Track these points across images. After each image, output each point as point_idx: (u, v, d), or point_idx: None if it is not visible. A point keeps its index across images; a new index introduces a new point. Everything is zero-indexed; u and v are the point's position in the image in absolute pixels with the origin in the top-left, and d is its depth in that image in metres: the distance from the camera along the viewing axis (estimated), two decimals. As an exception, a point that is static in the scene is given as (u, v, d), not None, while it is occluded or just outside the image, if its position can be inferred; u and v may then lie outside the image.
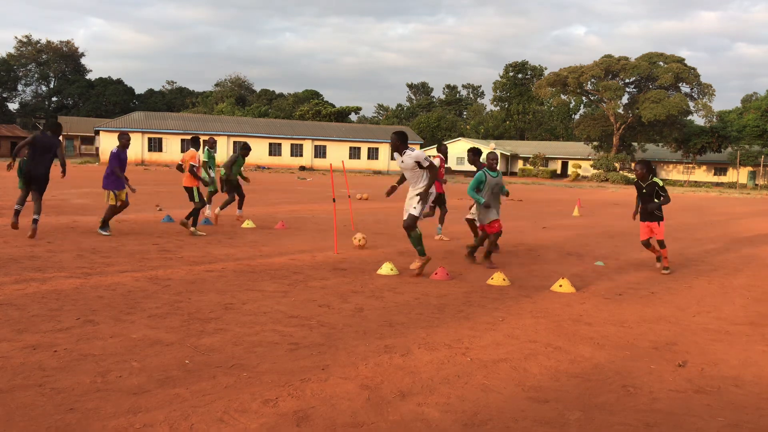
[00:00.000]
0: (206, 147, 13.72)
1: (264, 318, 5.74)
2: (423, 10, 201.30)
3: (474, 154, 10.04)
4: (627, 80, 63.35)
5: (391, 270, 8.19)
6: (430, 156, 9.04)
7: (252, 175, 44.81)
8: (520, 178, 64.35)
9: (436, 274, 8.07)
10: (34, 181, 10.25)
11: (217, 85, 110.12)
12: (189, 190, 11.42)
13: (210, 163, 13.61)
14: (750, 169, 64.69)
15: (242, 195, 13.49)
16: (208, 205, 13.66)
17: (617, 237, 13.45)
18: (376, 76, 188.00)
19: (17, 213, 10.12)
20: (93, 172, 38.19)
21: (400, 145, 7.98)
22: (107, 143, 58.38)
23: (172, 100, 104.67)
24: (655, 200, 9.22)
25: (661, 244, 9.33)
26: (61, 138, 10.29)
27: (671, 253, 11.43)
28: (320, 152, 66.11)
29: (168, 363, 4.42)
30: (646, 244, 9.43)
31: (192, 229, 11.22)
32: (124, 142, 11.12)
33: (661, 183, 9.26)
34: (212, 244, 10.18)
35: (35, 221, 10.02)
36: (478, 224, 9.38)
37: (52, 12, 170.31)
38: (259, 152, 63.93)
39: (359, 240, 10.52)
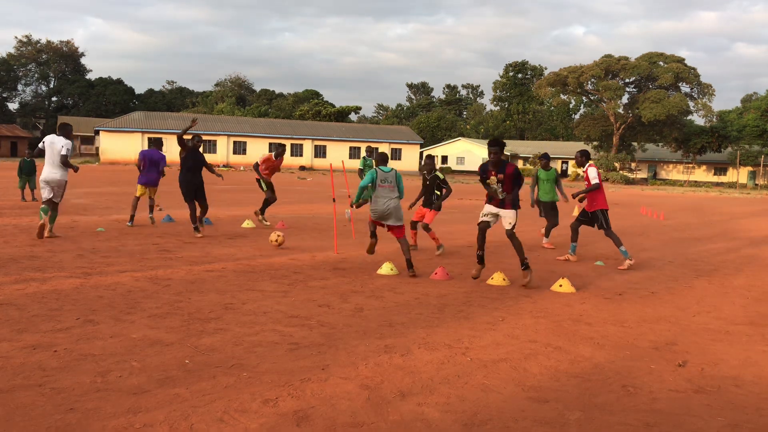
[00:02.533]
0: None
1: (264, 318, 5.74)
2: (422, 10, 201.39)
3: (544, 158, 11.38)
4: (627, 80, 63.34)
5: (391, 270, 8.19)
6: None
7: (252, 175, 44.83)
8: (520, 178, 64.26)
9: (436, 274, 8.07)
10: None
11: (217, 85, 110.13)
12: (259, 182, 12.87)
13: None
14: (750, 168, 64.72)
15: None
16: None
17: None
18: (375, 76, 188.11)
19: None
20: (93, 172, 38.20)
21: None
22: (107, 143, 58.42)
23: (172, 100, 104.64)
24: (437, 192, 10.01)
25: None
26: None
27: (671, 253, 11.43)
28: (320, 152, 66.13)
29: (168, 363, 4.42)
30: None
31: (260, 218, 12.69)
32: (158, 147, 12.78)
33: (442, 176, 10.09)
34: (212, 244, 10.18)
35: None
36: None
37: (52, 12, 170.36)
38: (259, 152, 63.92)
39: (277, 238, 9.94)
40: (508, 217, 7.71)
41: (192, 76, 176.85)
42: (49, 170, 9.82)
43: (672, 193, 41.03)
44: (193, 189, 11.20)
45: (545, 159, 11.56)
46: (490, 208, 7.83)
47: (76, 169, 9.96)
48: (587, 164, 9.93)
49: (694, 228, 16.63)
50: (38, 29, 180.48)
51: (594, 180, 9.59)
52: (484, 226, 7.83)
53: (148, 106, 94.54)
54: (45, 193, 9.82)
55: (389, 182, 8.49)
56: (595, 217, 9.78)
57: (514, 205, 7.76)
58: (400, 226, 8.50)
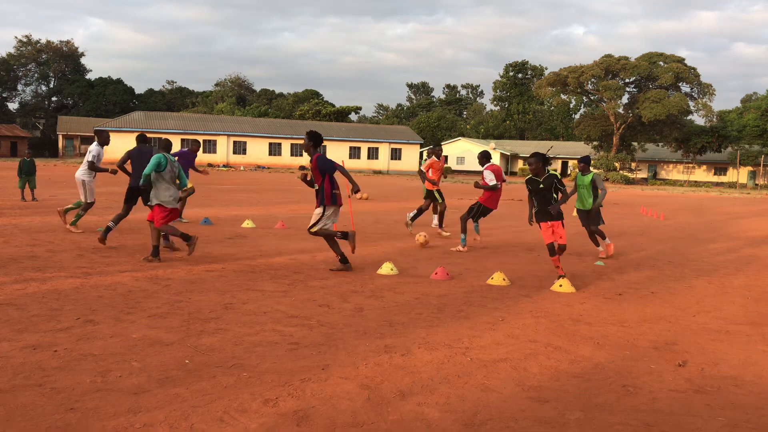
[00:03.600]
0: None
1: (264, 318, 5.74)
2: (421, 10, 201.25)
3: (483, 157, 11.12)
4: (627, 80, 63.33)
5: (391, 270, 8.19)
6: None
7: (252, 175, 44.83)
8: (520, 178, 64.30)
9: (436, 274, 8.07)
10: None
11: (217, 84, 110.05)
12: (430, 193, 12.19)
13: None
14: (750, 168, 64.71)
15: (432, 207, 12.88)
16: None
17: (617, 237, 13.44)
18: (375, 76, 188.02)
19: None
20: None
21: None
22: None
23: (172, 100, 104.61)
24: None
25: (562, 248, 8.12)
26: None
27: (671, 253, 11.43)
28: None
29: (168, 363, 4.42)
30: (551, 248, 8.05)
31: (441, 232, 12.23)
32: (195, 148, 13.12)
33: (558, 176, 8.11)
34: (212, 244, 10.18)
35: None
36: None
37: (51, 12, 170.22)
38: (259, 152, 63.96)
39: (422, 238, 10.76)
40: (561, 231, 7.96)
41: (192, 76, 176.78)
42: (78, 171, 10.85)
43: (672, 193, 41.03)
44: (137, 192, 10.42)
45: (584, 162, 10.50)
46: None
47: (114, 172, 10.32)
48: (485, 165, 10.88)
49: (694, 228, 16.63)
50: (38, 29, 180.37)
51: (490, 182, 10.59)
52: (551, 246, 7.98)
53: (148, 106, 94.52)
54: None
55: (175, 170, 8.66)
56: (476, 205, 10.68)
57: (559, 216, 7.94)
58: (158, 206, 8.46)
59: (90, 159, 10.47)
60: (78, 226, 11.02)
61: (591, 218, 10.34)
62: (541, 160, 7.88)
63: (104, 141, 10.74)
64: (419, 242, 10.68)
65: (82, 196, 10.88)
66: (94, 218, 13.20)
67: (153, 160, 8.39)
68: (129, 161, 9.94)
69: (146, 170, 8.29)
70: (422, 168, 12.47)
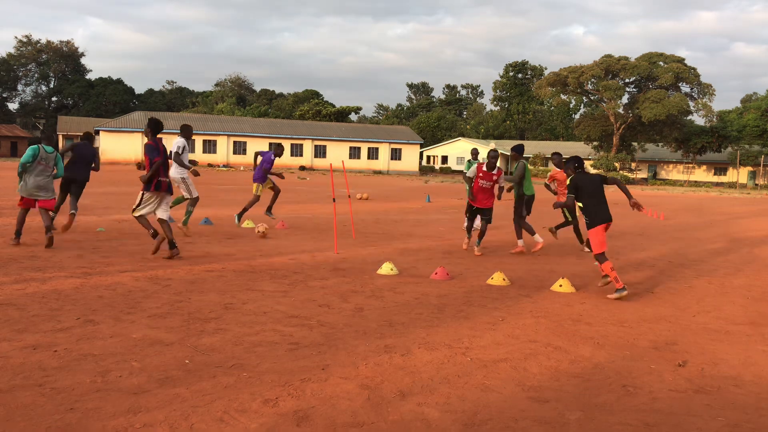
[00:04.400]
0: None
1: (264, 318, 5.74)
2: (421, 10, 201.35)
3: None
4: (627, 80, 63.36)
5: (391, 270, 8.19)
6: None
7: (252, 175, 44.83)
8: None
9: (436, 274, 8.07)
10: (74, 184, 10.86)
11: (217, 85, 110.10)
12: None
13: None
14: (750, 168, 64.72)
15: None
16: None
17: (617, 237, 13.45)
18: (375, 76, 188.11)
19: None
20: (93, 172, 38.11)
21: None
22: (107, 143, 58.44)
23: (172, 100, 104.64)
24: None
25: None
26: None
27: (671, 253, 11.43)
28: (320, 152, 66.12)
29: (168, 363, 4.42)
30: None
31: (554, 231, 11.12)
32: (279, 152, 13.17)
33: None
34: (212, 244, 10.18)
35: (73, 215, 10.51)
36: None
37: (51, 12, 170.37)
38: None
39: (260, 228, 11.13)
40: None
41: (192, 76, 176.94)
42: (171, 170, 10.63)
43: (672, 193, 41.03)
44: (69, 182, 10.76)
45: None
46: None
47: (189, 167, 10.73)
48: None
49: (694, 228, 16.63)
50: (38, 29, 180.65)
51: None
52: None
53: (148, 106, 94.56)
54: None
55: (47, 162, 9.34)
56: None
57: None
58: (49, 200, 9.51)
59: (174, 150, 10.71)
60: (189, 227, 10.89)
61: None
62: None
63: (188, 135, 11.15)
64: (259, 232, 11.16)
65: (185, 193, 11.05)
66: (94, 218, 13.20)
67: (28, 150, 9.07)
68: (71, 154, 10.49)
69: (22, 159, 9.22)
70: (470, 176, 10.44)
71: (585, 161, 12.16)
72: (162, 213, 8.74)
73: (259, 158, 13.10)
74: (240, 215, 12.87)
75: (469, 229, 10.70)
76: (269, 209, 13.28)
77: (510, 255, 10.34)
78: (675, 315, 6.55)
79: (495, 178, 9.84)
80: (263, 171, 12.85)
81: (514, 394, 4.11)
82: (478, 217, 10.63)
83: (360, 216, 15.86)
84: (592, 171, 63.74)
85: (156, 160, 8.77)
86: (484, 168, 9.85)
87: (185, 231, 10.69)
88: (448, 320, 5.93)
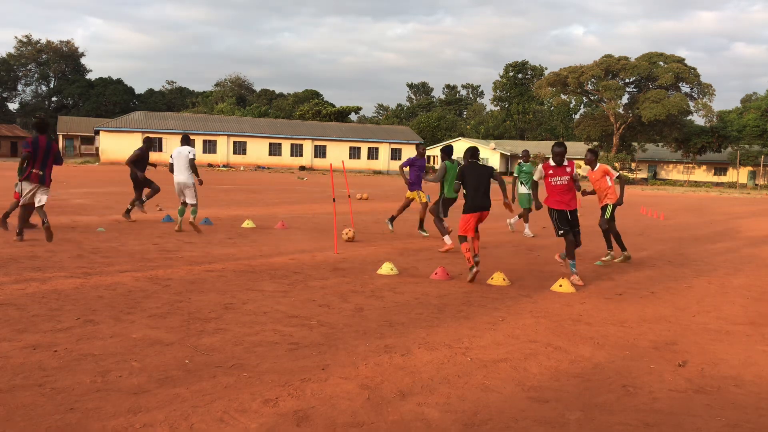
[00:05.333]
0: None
1: (264, 318, 5.74)
2: (420, 10, 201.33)
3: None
4: (627, 80, 63.32)
5: (391, 270, 8.19)
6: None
7: (252, 175, 44.82)
8: (520, 178, 64.24)
9: (436, 274, 8.07)
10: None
11: (217, 85, 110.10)
12: (604, 208, 9.85)
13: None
14: (750, 169, 64.70)
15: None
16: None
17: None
18: (375, 76, 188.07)
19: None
20: (93, 172, 38.21)
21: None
22: (107, 143, 58.41)
23: (172, 100, 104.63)
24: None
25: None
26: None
27: (671, 253, 11.43)
28: (320, 152, 66.12)
29: (168, 363, 4.42)
30: None
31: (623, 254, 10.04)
32: (421, 150, 12.39)
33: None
34: (212, 244, 10.18)
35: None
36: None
37: (51, 12, 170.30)
38: (259, 152, 63.94)
39: (347, 233, 11.17)
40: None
41: (192, 76, 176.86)
42: (179, 175, 11.37)
43: (672, 193, 41.03)
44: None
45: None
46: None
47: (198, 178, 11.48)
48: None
49: (694, 228, 16.63)
50: (38, 29, 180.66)
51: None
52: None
53: (148, 106, 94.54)
54: (180, 197, 11.54)
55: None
56: None
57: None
58: None
59: (192, 157, 11.43)
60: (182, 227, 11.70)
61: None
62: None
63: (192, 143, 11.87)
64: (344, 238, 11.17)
65: (192, 199, 11.43)
66: (94, 218, 13.20)
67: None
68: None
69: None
70: (538, 180, 8.76)
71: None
72: (39, 202, 9.80)
73: (405, 169, 12.27)
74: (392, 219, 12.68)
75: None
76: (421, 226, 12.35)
77: (511, 255, 10.33)
78: (675, 315, 6.55)
79: (569, 170, 8.26)
80: (416, 177, 12.07)
81: (514, 394, 4.11)
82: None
83: (360, 216, 15.87)
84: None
85: (25, 151, 9.66)
86: (552, 163, 8.34)
87: (180, 229, 11.58)
88: (448, 320, 5.93)
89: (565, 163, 8.17)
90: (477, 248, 8.01)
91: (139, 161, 12.83)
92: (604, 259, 9.85)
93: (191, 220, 11.40)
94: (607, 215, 9.69)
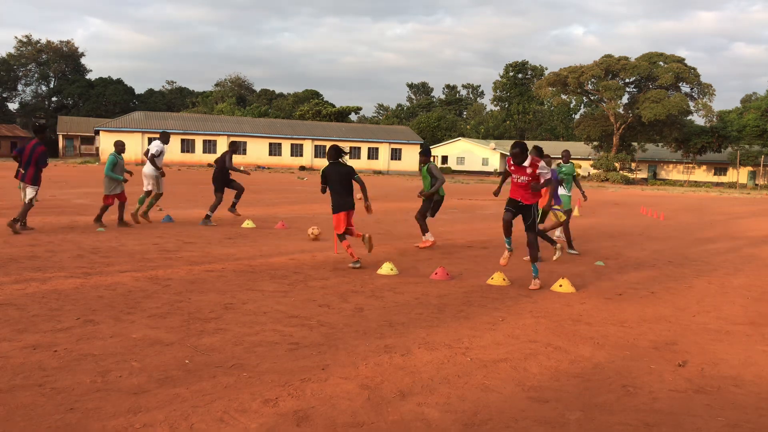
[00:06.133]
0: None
1: (264, 318, 5.74)
2: (420, 10, 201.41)
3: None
4: (627, 80, 63.33)
5: (391, 270, 8.19)
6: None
7: (252, 175, 44.82)
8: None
9: (436, 274, 8.07)
10: None
11: (217, 85, 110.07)
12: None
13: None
14: (750, 169, 64.72)
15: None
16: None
17: (617, 237, 13.45)
18: (375, 76, 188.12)
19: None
20: (93, 172, 38.20)
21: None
22: (107, 143, 58.39)
23: (172, 100, 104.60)
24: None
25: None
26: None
27: (671, 253, 11.43)
28: (320, 152, 66.10)
29: (168, 363, 4.42)
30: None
31: None
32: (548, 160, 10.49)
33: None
34: (212, 244, 10.18)
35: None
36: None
37: (51, 12, 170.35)
38: (259, 152, 63.93)
39: (312, 231, 11.17)
40: None
41: (192, 76, 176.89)
42: (145, 166, 12.69)
43: (672, 193, 41.03)
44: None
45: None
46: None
47: (160, 169, 12.61)
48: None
49: (694, 228, 16.63)
50: (38, 29, 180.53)
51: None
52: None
53: (148, 106, 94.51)
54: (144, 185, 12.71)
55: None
56: None
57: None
58: None
59: (152, 152, 12.54)
60: (149, 216, 12.80)
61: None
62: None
63: (166, 140, 12.79)
64: (310, 236, 11.19)
65: (154, 188, 12.63)
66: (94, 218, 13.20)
67: None
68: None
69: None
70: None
71: (571, 159, 11.39)
72: (24, 196, 10.86)
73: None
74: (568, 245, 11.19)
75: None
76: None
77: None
78: (675, 315, 6.55)
79: (530, 171, 7.85)
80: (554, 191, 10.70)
81: (514, 394, 4.11)
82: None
83: (360, 216, 15.86)
84: (592, 171, 63.87)
85: (13, 154, 10.96)
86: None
87: (146, 219, 12.59)
88: (448, 320, 5.93)
89: (526, 163, 7.77)
90: (358, 234, 8.84)
91: (224, 163, 13.04)
92: (554, 258, 9.96)
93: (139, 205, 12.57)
94: (538, 218, 10.06)
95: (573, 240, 11.34)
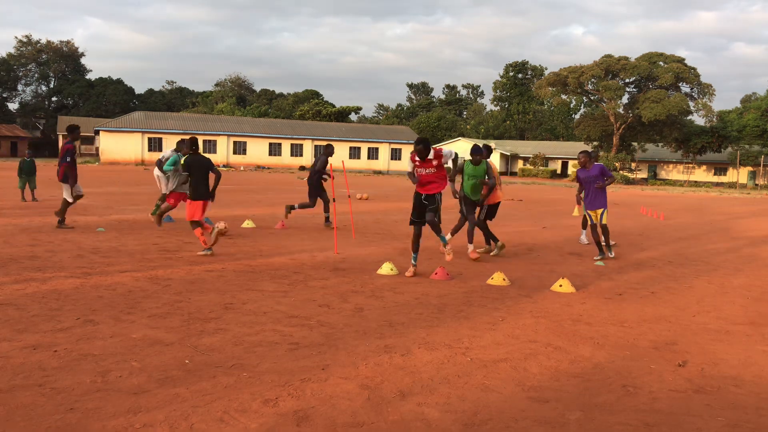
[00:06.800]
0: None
1: (264, 318, 5.74)
2: (419, 10, 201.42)
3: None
4: (627, 80, 63.30)
5: (391, 270, 8.19)
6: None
7: (252, 175, 44.83)
8: (520, 178, 64.35)
9: (436, 274, 8.07)
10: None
11: (217, 85, 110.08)
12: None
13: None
14: (750, 169, 64.69)
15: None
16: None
17: (617, 237, 13.44)
18: (375, 76, 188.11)
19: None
20: (93, 172, 38.23)
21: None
22: (107, 143, 58.41)
23: (172, 100, 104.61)
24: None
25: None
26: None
27: (671, 253, 11.43)
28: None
29: (168, 363, 4.42)
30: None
31: None
32: (584, 160, 10.17)
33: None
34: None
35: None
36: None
37: (51, 12, 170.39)
38: (259, 152, 63.94)
39: (218, 226, 9.97)
40: None
41: (192, 76, 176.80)
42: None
43: (672, 193, 41.02)
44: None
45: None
46: None
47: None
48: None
49: (694, 228, 16.63)
50: (38, 29, 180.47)
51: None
52: None
53: (148, 106, 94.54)
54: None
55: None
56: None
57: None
58: None
59: (160, 158, 12.45)
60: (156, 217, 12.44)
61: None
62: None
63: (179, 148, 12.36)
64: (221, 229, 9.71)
65: (163, 188, 12.45)
66: (94, 218, 13.20)
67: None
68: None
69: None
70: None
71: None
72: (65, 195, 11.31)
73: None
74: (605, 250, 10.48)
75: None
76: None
77: (511, 255, 10.34)
78: (675, 315, 6.55)
79: (435, 162, 8.25)
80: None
81: (514, 394, 4.11)
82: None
83: (360, 216, 15.86)
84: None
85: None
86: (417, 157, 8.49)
87: (154, 219, 12.12)
88: (448, 320, 5.93)
89: (431, 156, 8.25)
90: (209, 227, 9.25)
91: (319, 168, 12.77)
92: (479, 250, 10.26)
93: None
94: (482, 216, 10.29)
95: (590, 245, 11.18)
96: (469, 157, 9.88)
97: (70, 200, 11.36)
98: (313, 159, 65.16)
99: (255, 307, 6.15)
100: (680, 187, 53.80)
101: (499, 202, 10.37)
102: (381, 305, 6.43)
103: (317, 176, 12.89)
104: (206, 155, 55.19)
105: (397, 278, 7.92)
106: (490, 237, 10.31)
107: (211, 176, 9.24)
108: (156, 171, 12.67)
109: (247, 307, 6.13)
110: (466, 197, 9.93)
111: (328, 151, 13.10)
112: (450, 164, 8.89)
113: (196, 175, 9.11)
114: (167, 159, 12.29)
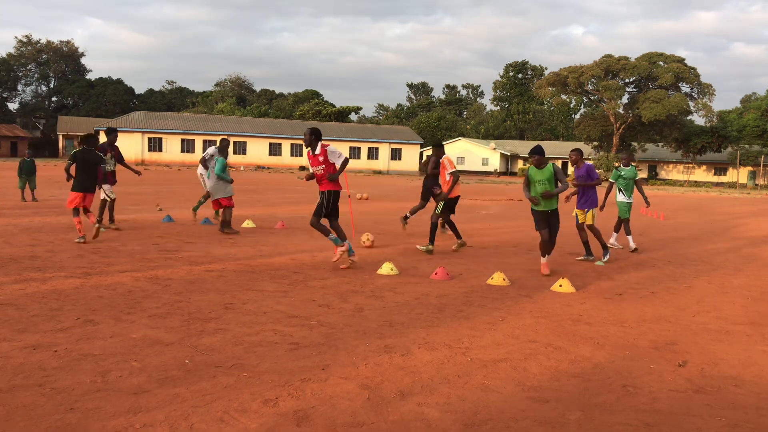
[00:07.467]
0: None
1: (264, 318, 5.74)
2: (419, 10, 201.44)
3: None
4: (627, 80, 63.32)
5: (391, 270, 8.19)
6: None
7: (252, 175, 44.82)
8: (521, 178, 64.33)
9: (436, 274, 8.07)
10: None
11: (217, 85, 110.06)
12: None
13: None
14: (750, 168, 64.70)
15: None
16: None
17: (617, 237, 13.42)
18: (375, 76, 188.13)
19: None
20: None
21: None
22: (107, 143, 58.34)
23: (172, 100, 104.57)
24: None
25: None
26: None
27: (671, 253, 11.42)
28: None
29: (168, 363, 4.42)
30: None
31: None
32: (575, 158, 10.23)
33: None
34: (212, 244, 10.18)
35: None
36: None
37: (51, 12, 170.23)
38: (259, 152, 63.94)
39: (367, 239, 10.71)
40: None
41: (192, 76, 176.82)
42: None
43: (672, 193, 41.02)
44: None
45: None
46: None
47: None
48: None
49: (694, 228, 16.63)
50: (38, 29, 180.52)
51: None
52: None
53: (148, 106, 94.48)
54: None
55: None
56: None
57: None
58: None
59: (205, 156, 12.48)
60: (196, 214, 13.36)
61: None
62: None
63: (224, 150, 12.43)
64: (366, 243, 10.64)
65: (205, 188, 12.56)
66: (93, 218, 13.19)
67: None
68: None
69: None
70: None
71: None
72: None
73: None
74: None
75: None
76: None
77: (511, 255, 10.33)
78: (675, 315, 6.55)
79: (321, 159, 8.45)
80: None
81: (514, 394, 4.11)
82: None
83: (360, 216, 15.86)
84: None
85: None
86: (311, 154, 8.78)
87: (193, 216, 13.24)
88: (448, 320, 5.93)
89: (318, 152, 8.51)
90: (93, 220, 9.97)
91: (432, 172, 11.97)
92: (453, 247, 10.47)
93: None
94: (438, 210, 10.26)
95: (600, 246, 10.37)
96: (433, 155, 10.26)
97: (108, 199, 11.25)
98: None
99: (255, 307, 6.15)
100: (680, 187, 53.79)
101: (458, 196, 10.48)
102: (381, 305, 6.43)
103: (434, 180, 11.73)
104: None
105: (397, 278, 7.92)
106: (448, 231, 10.58)
107: (101, 170, 10.30)
108: (200, 169, 12.57)
109: (247, 307, 6.13)
110: (535, 211, 8.67)
111: (439, 152, 12.52)
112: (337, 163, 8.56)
113: (84, 168, 9.84)
114: (210, 157, 12.24)
